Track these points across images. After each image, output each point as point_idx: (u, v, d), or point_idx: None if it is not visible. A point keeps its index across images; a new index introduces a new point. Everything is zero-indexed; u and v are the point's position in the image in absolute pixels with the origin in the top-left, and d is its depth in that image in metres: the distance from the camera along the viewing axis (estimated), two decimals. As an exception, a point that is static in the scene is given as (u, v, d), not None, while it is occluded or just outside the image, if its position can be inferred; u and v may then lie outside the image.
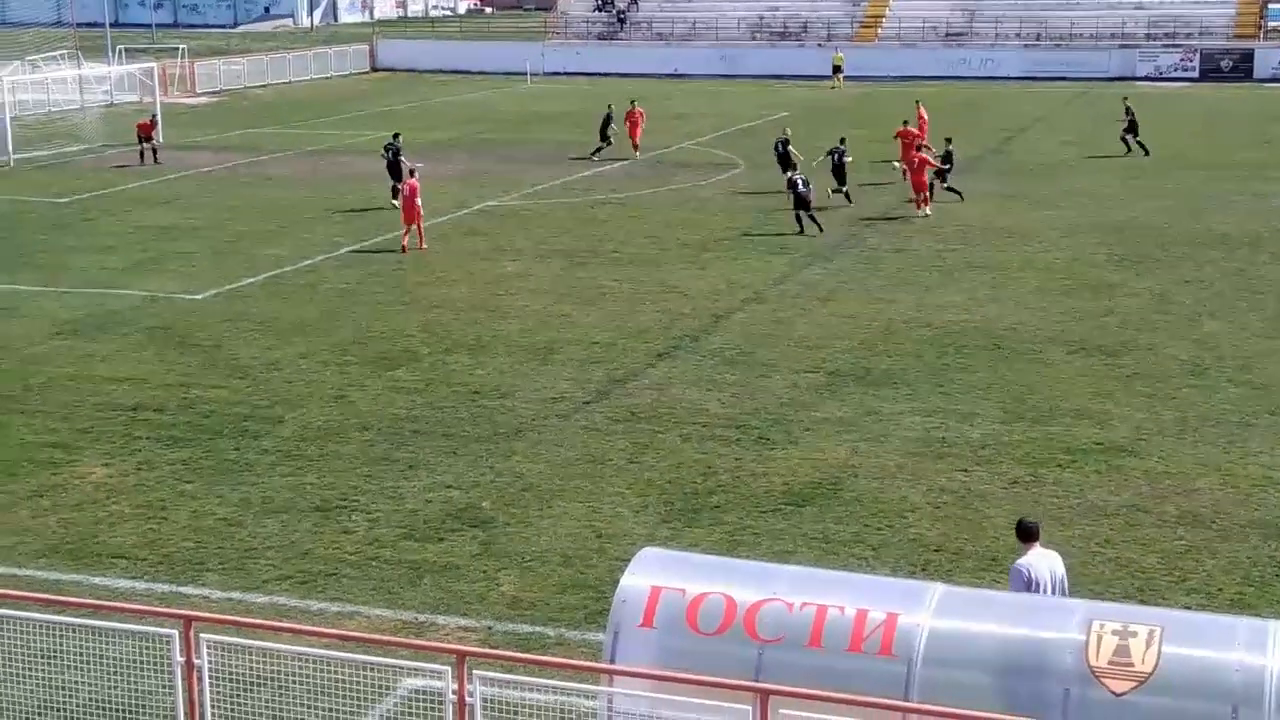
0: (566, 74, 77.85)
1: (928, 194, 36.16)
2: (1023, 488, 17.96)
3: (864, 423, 20.46)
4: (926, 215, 35.59)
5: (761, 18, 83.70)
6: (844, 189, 37.66)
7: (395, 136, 39.60)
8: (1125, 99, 49.67)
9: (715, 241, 33.32)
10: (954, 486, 18.03)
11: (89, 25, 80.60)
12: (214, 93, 70.45)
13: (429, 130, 53.09)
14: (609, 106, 47.88)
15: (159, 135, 47.26)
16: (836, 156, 37.68)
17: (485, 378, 22.74)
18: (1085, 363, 23.34)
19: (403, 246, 32.03)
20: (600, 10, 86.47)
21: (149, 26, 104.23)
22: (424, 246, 32.27)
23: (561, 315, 26.64)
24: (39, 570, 15.72)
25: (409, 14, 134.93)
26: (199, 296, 28.19)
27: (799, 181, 34.21)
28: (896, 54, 78.04)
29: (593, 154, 46.04)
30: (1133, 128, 46.55)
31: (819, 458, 19.06)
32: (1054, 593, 12.08)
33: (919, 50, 78.31)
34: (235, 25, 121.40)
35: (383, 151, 38.89)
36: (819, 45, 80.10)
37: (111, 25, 78.08)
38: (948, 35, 79.87)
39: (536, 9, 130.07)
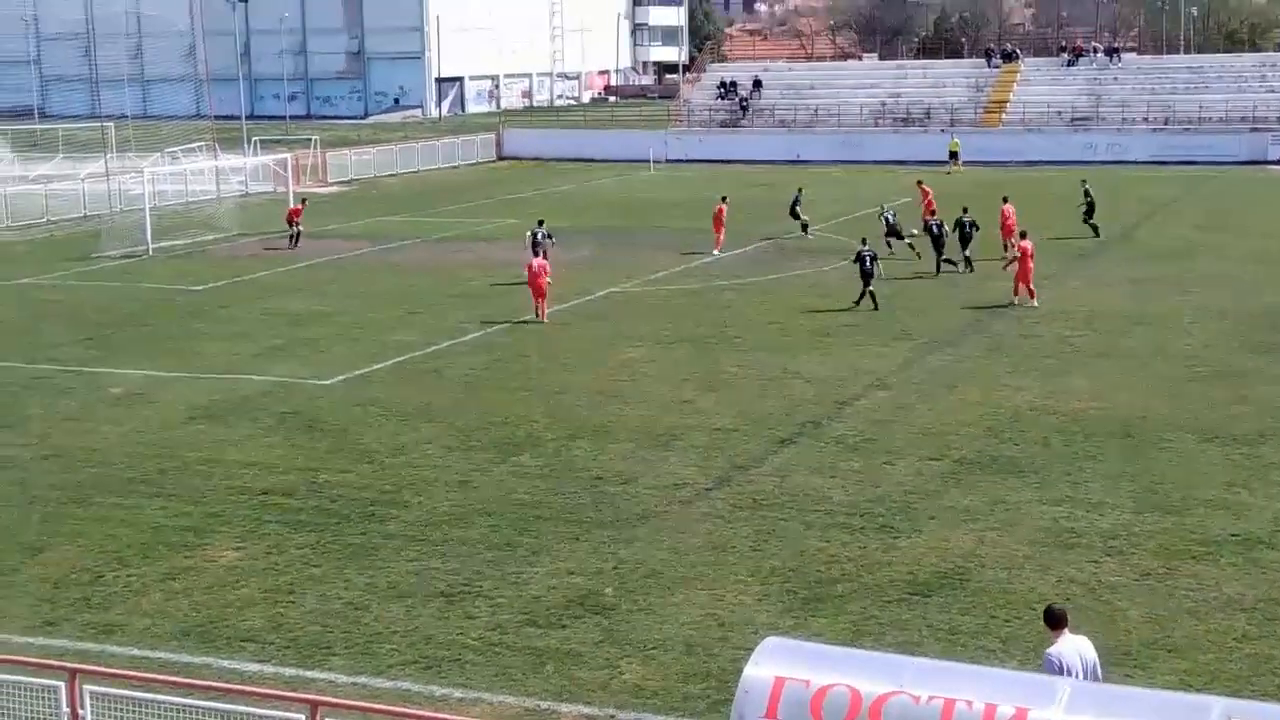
0: (689, 161, 78.48)
1: (1029, 286, 35.45)
2: (1155, 580, 17.55)
3: (991, 511, 20.17)
4: (1034, 306, 35.01)
5: (884, 104, 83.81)
6: (964, 256, 39.74)
7: (540, 223, 40.62)
8: (1083, 181, 48.97)
9: (838, 327, 33.23)
10: (1084, 578, 17.67)
11: (226, 118, 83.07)
12: (345, 182, 72.05)
13: (553, 217, 53.42)
14: (799, 189, 49.10)
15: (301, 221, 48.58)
16: (966, 227, 39.76)
17: (608, 463, 22.80)
18: (1220, 451, 22.82)
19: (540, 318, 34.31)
20: (723, 98, 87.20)
21: (283, 118, 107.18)
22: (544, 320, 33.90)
23: (684, 401, 26.68)
24: (170, 653, 15.98)
25: (534, 104, 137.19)
26: (327, 382, 28.68)
27: (866, 257, 35.19)
28: (1021, 139, 77.56)
29: (805, 231, 47.60)
30: (1090, 210, 46.51)
31: (945, 547, 18.81)
32: (1086, 679, 11.98)
33: (1044, 135, 77.77)
34: (366, 116, 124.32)
35: (532, 236, 39.51)
36: (942, 130, 79.95)
37: (247, 117, 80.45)
38: (1073, 120, 79.28)
39: (660, 97, 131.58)
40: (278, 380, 28.87)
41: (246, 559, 18.88)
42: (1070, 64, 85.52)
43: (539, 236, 39.10)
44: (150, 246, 47.62)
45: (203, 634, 16.52)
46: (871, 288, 35.05)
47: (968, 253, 39.93)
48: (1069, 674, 11.95)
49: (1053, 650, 12.25)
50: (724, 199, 46.75)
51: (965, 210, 40.73)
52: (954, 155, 72.61)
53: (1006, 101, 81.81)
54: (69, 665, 12.90)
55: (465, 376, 29.00)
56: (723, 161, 76.47)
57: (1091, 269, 39.84)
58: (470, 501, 21.06)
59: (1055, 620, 12.49)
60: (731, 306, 36.26)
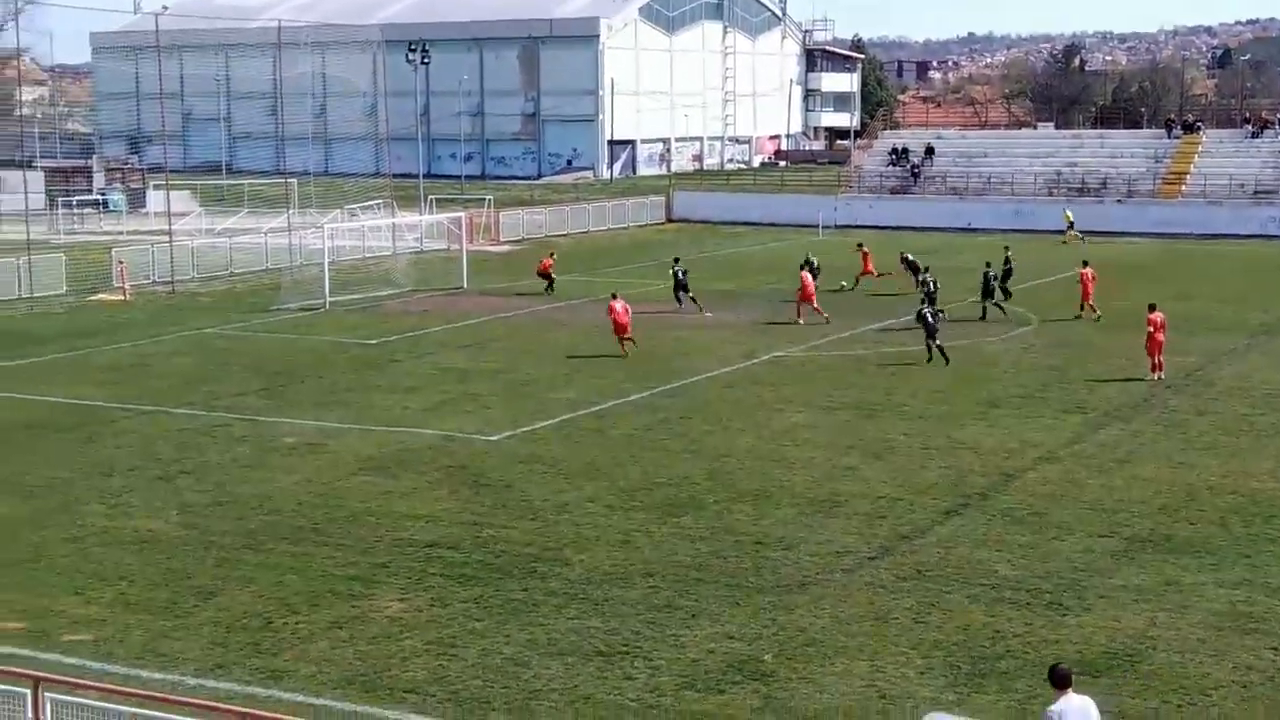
0: (858, 226, 78.13)
1: (1158, 360, 34.55)
2: (1339, 670, 16.86)
3: (1164, 592, 19.61)
4: (1159, 379, 34.08)
5: (1059, 173, 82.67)
6: (987, 303, 44.29)
7: (676, 261, 47.34)
8: (1006, 248, 50.52)
9: (1006, 398, 32.71)
10: (1262, 665, 17.06)
11: (404, 176, 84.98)
12: (516, 241, 73.16)
13: (720, 280, 53.85)
14: (1006, 254, 48.53)
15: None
16: (989, 280, 44.46)
17: (769, 528, 22.69)
18: None
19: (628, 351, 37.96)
20: (894, 164, 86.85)
21: (459, 178, 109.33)
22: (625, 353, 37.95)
23: (847, 468, 26.46)
24: (334, 700, 16.25)
25: (705, 167, 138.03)
26: (494, 437, 29.04)
27: (929, 315, 37.28)
28: (1201, 211, 75.84)
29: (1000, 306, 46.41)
30: (1005, 276, 46.88)
31: (1115, 627, 18.32)
32: None
33: (1225, 208, 75.96)
34: (539, 177, 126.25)
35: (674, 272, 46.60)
36: (1118, 201, 78.57)
37: (424, 176, 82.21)
38: (1256, 192, 77.29)
39: (830, 162, 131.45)
40: (445, 434, 29.32)
41: (411, 610, 19.14)
42: (1254, 136, 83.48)
43: (679, 274, 45.65)
44: (327, 300, 48.84)
45: (366, 683, 16.77)
46: (938, 342, 36.74)
47: (984, 302, 44.31)
48: None
49: (1054, 708, 12.58)
50: (804, 265, 47.04)
51: (989, 264, 45.37)
52: (1070, 226, 72.02)
53: (1186, 173, 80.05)
54: (238, 709, 13.19)
55: (629, 436, 29.14)
56: (892, 228, 76.00)
57: (1272, 346, 38.68)
58: (631, 561, 21.11)
59: (1061, 680, 12.76)
60: (897, 374, 35.92)
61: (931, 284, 43.69)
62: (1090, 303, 44.26)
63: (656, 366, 37.02)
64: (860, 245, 54.50)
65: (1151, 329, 34.49)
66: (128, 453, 27.97)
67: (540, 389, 34.24)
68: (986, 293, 44.46)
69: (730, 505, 24.01)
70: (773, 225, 79.86)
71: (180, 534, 22.64)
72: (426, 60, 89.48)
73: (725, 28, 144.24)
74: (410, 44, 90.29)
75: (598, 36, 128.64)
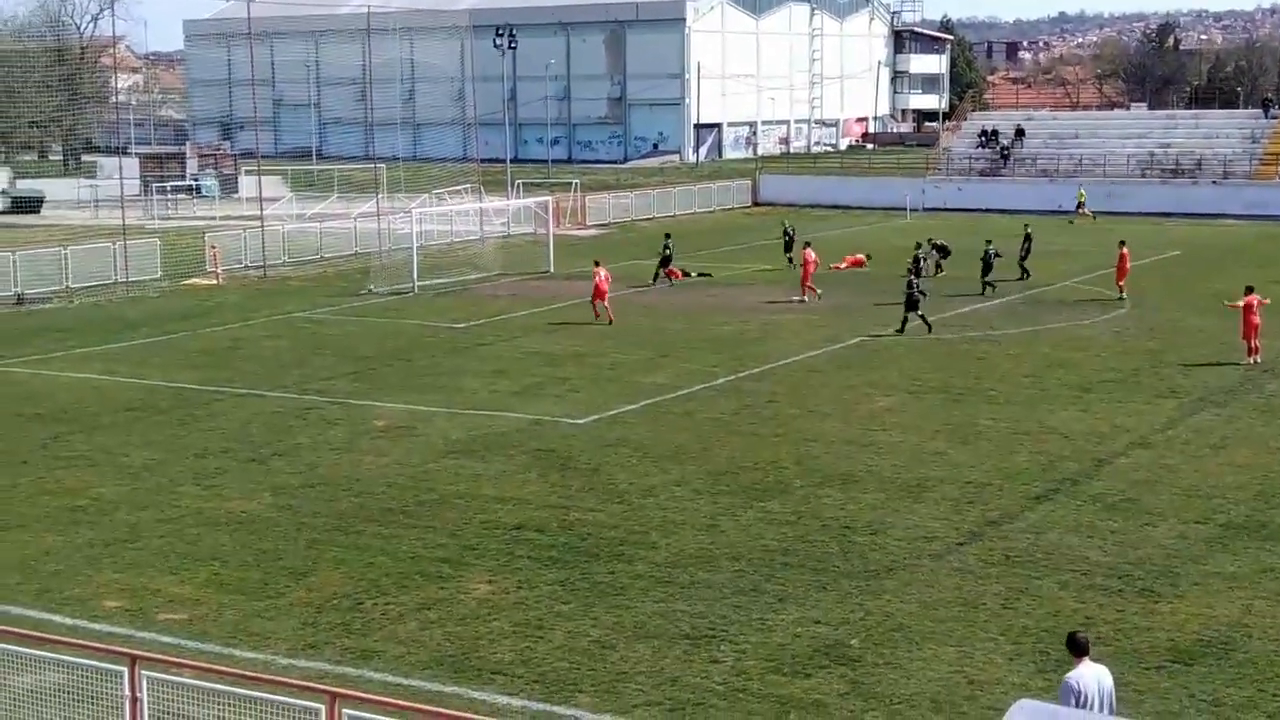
0: (947, 209, 77.51)
1: (1254, 344, 33.95)
2: None
3: (1259, 579, 19.30)
4: (1256, 363, 33.47)
5: (1152, 154, 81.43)
6: (986, 280, 46.37)
7: (667, 237, 52.06)
8: (1026, 226, 52.17)
9: (1098, 382, 32.32)
10: (1360, 655, 16.75)
11: (491, 160, 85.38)
12: (603, 225, 73.29)
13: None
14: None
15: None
16: (989, 256, 46.43)
17: (856, 513, 22.60)
18: None
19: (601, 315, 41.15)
20: (983, 146, 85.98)
21: (545, 162, 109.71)
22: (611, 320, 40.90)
23: (935, 453, 26.28)
24: (423, 681, 16.41)
25: (791, 150, 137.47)
26: (581, 421, 29.14)
27: (915, 287, 38.87)
28: (1299, 191, 74.42)
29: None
30: (1024, 255, 49.53)
31: (1209, 614, 18.07)
32: (1103, 706, 12.61)
33: (1324, 188, 74.46)
34: (625, 161, 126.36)
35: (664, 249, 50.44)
36: (1213, 182, 77.27)
37: (511, 161, 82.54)
38: (1356, 172, 75.68)
39: (918, 145, 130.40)
40: (533, 418, 29.47)
41: (498, 592, 19.27)
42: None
43: (667, 247, 49.92)
44: (416, 284, 49.22)
45: (454, 664, 16.92)
46: (921, 312, 38.55)
47: (989, 279, 46.28)
48: (1086, 700, 12.51)
49: (1072, 675, 12.72)
50: (808, 245, 47.83)
51: (990, 242, 47.14)
52: (1080, 205, 71.89)
53: (1284, 153, 78.56)
54: (329, 689, 13.36)
55: (715, 420, 29.13)
56: (982, 210, 75.26)
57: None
58: (717, 545, 21.11)
59: (1079, 648, 12.92)
60: (986, 358, 35.61)
61: (921, 260, 45.27)
62: (1121, 283, 44.87)
63: (742, 350, 36.96)
64: (808, 244, 49.37)
65: (1248, 312, 33.91)
66: (221, 435, 28.39)
67: (627, 373, 34.30)
68: (986, 268, 46.52)
69: (817, 490, 23.94)
70: (860, 208, 79.40)
71: (272, 515, 22.95)
72: (513, 45, 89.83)
73: (812, 9, 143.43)
74: (497, 29, 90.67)
75: (684, 20, 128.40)
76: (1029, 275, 49.24)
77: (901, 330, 38.74)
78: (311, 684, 13.90)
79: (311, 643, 17.63)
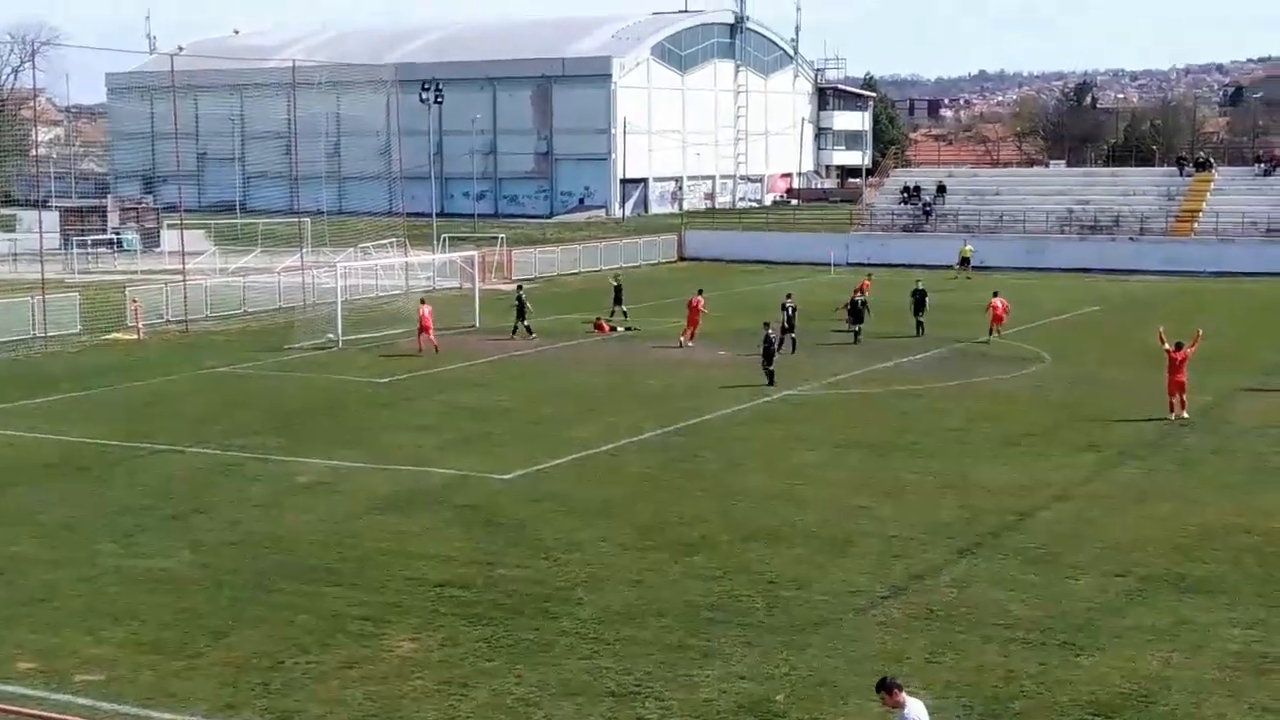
0: (871, 264, 78.17)
1: (1180, 398, 34.38)
2: (1355, 711, 16.75)
3: (1178, 632, 19.52)
4: (1184, 419, 33.91)
5: (1071, 210, 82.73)
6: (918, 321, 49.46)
7: (520, 288, 53.18)
8: (917, 281, 52.28)
9: (1021, 436, 32.65)
10: (1278, 706, 16.94)
11: (417, 214, 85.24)
12: (529, 279, 73.18)
13: (731, 319, 53.83)
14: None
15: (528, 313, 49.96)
16: (919, 295, 49.63)
17: (782, 568, 22.64)
18: None
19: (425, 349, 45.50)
20: (906, 202, 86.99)
21: (472, 216, 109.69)
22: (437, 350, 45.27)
23: (860, 507, 26.41)
24: (345, 740, 16.20)
25: (717, 205, 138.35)
26: (507, 476, 29.04)
27: (768, 336, 39.96)
28: (1213, 248, 75.88)
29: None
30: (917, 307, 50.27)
31: (1129, 667, 18.23)
32: None
33: (1237, 245, 75.94)
34: (551, 215, 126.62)
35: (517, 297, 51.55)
36: (1130, 238, 78.61)
37: (437, 215, 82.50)
38: (1269, 231, 77.23)
39: (842, 200, 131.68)
40: (458, 473, 29.32)
41: (422, 650, 19.10)
42: (1266, 174, 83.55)
43: (521, 300, 50.73)
44: (340, 339, 48.95)
45: (377, 723, 16.71)
46: (772, 367, 39.42)
47: (921, 318, 49.25)
48: None
49: (909, 713, 13.35)
50: (700, 292, 50.59)
51: (919, 281, 50.46)
52: (965, 261, 72.97)
53: (1199, 211, 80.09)
54: (248, 749, 13.15)
55: (642, 475, 29.12)
56: (905, 265, 76.08)
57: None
58: (643, 601, 21.06)
59: (893, 686, 13.53)
60: (910, 412, 35.89)
61: (791, 310, 46.26)
62: (997, 328, 48.30)
63: (669, 405, 37.03)
64: (701, 291, 51.77)
65: (1174, 368, 34.25)
66: (141, 492, 28.01)
67: (553, 428, 34.24)
68: (856, 317, 48.73)
69: (742, 544, 23.97)
70: (785, 263, 79.96)
71: (192, 573, 22.64)
72: (440, 99, 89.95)
73: (737, 66, 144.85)
74: (424, 83, 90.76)
75: (610, 75, 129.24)
76: (923, 331, 49.54)
77: (770, 382, 39.17)
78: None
79: (231, 703, 17.37)
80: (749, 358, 44.30)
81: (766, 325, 41.08)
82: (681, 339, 48.00)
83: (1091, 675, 17.99)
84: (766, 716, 16.80)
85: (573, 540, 24.28)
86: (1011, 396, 37.98)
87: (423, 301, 48.49)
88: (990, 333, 48.35)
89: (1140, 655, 18.65)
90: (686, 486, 28.14)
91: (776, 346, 40.51)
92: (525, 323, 50.36)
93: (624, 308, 54.50)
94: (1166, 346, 34.77)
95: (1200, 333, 36.07)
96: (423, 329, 46.40)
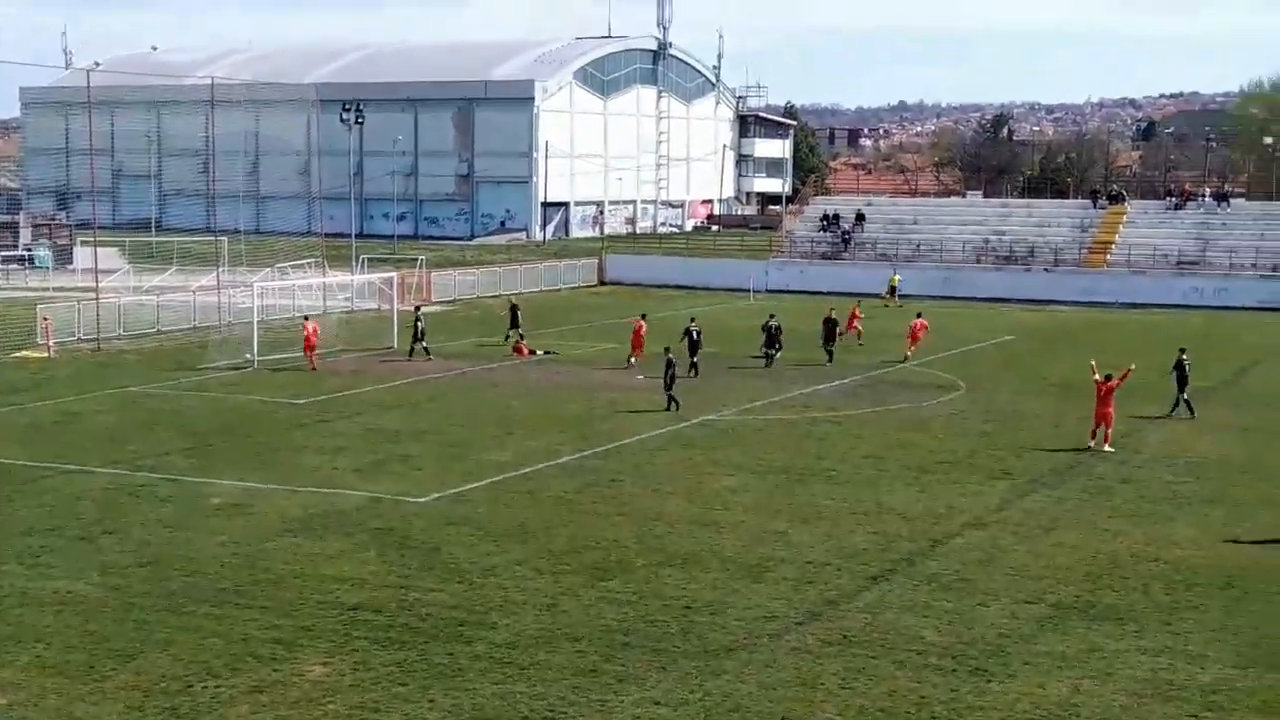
0: (789, 291, 78.73)
1: (1105, 430, 34.81)
2: (1258, 738, 17.01)
3: (1087, 659, 19.73)
4: (1105, 450, 34.36)
5: (987, 241, 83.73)
6: (770, 352, 49.37)
7: (417, 309, 53.64)
8: (831, 309, 52.84)
9: (935, 464, 32.92)
10: (1183, 732, 17.17)
11: (336, 235, 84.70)
12: (448, 301, 73.04)
13: (650, 344, 53.94)
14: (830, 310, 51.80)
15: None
16: (772, 330, 49.66)
17: (697, 592, 22.65)
18: (1327, 607, 22.18)
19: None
20: (825, 230, 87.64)
21: (392, 238, 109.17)
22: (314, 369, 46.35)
23: (776, 532, 26.49)
24: (253, 765, 15.99)
25: (638, 230, 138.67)
26: (422, 499, 28.85)
27: (669, 361, 39.70)
28: (1125, 280, 77.11)
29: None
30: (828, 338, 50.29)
31: (1039, 694, 18.40)
32: None
33: (1149, 277, 77.21)
34: (472, 238, 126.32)
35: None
36: (1045, 269, 79.67)
37: (357, 236, 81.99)
38: (1179, 263, 78.61)
39: (762, 227, 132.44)
40: (373, 496, 29.10)
41: (334, 674, 18.90)
42: (1177, 207, 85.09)
43: (419, 319, 51.14)
44: (256, 359, 48.47)
45: (286, 748, 16.51)
46: (673, 393, 39.40)
47: (831, 347, 49.79)
48: None
49: None
50: (643, 316, 51.26)
51: (772, 315, 50.97)
52: (892, 290, 73.97)
53: (1112, 243, 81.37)
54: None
55: (558, 499, 29.05)
56: (823, 293, 76.58)
57: (1198, 415, 39.23)
58: (558, 625, 20.98)
59: None
60: (827, 439, 36.09)
61: (695, 333, 46.68)
62: (914, 349, 50.91)
63: (587, 429, 36.98)
64: (644, 316, 52.62)
65: (1101, 399, 34.64)
66: (48, 512, 27.53)
67: (470, 451, 34.09)
68: (770, 342, 49.39)
69: (658, 569, 23.96)
70: (705, 289, 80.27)
71: (100, 596, 22.28)
72: (361, 120, 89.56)
73: (659, 92, 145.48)
74: (344, 103, 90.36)
75: (532, 99, 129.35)
76: (830, 359, 49.70)
77: (676, 407, 39.14)
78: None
79: (137, 728, 17.08)
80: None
81: (667, 350, 41.08)
82: (631, 360, 48.52)
83: (1002, 701, 18.13)
84: (680, 742, 16.77)
85: (488, 564, 24.16)
86: (926, 424, 38.30)
87: (306, 319, 49.65)
88: (908, 352, 50.63)
89: (1050, 682, 18.83)
90: (603, 510, 28.10)
91: (687, 371, 40.58)
92: (423, 344, 50.14)
93: (520, 330, 54.07)
94: (1096, 377, 35.22)
95: (1132, 367, 36.53)
96: (307, 347, 47.50)
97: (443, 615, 21.38)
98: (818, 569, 24.07)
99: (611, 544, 25.51)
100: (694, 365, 45.54)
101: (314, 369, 46.66)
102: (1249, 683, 18.82)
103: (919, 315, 53.12)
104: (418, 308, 55.65)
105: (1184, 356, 39.88)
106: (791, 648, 20.12)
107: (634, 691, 18.37)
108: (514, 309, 55.69)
